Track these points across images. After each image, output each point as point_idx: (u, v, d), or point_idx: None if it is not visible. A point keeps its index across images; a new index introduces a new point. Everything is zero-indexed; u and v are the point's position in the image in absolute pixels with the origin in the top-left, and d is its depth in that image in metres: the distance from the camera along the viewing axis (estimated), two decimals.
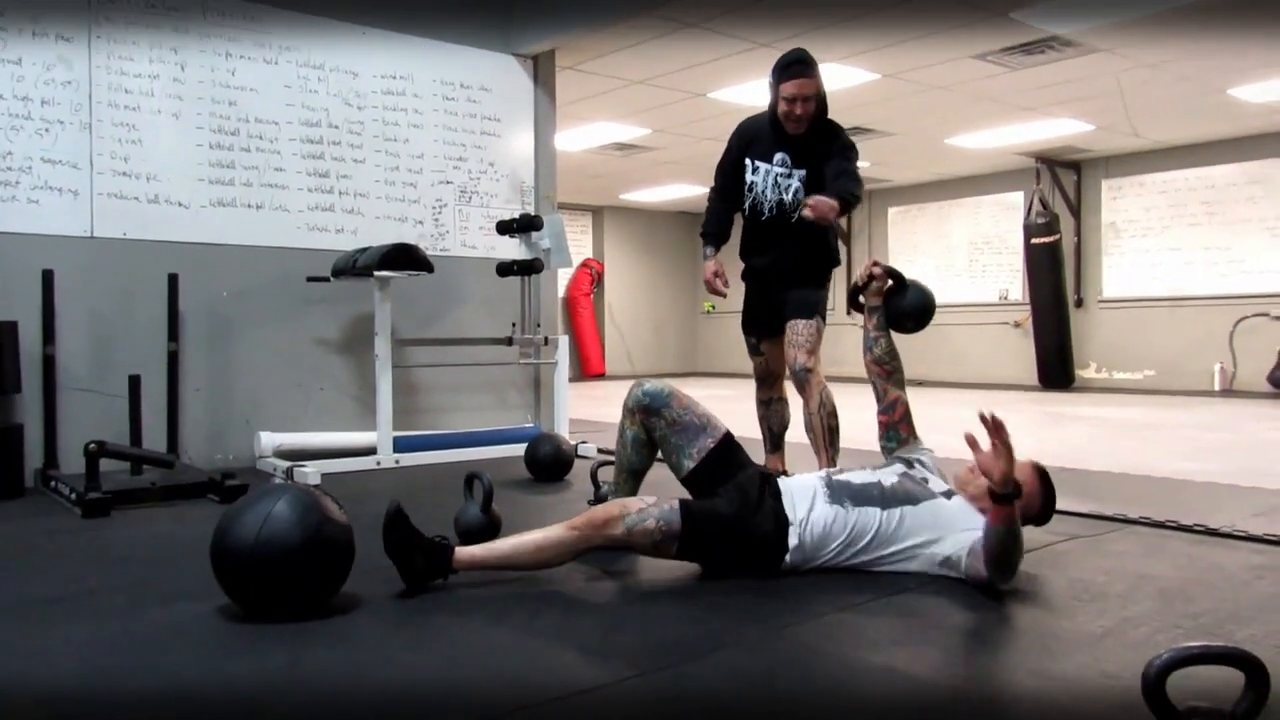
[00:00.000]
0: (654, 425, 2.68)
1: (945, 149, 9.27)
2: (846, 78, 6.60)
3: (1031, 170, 9.96)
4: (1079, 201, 10.10)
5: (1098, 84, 6.89)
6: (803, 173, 3.59)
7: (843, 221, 12.00)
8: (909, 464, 2.58)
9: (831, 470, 2.56)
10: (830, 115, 3.62)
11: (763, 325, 3.79)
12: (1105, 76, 6.67)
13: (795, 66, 3.45)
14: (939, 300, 2.98)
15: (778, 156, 3.59)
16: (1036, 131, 8.51)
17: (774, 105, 3.55)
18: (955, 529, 2.36)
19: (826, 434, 3.56)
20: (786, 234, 3.63)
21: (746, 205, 3.72)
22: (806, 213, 3.38)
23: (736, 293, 3.82)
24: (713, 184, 3.85)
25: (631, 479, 2.81)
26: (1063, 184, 10.02)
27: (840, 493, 2.42)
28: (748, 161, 3.67)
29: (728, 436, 2.67)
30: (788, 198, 3.61)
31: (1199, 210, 9.36)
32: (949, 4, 5.21)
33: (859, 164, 3.61)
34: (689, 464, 2.63)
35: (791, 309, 3.61)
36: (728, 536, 2.36)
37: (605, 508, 2.35)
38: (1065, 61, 6.28)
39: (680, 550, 2.34)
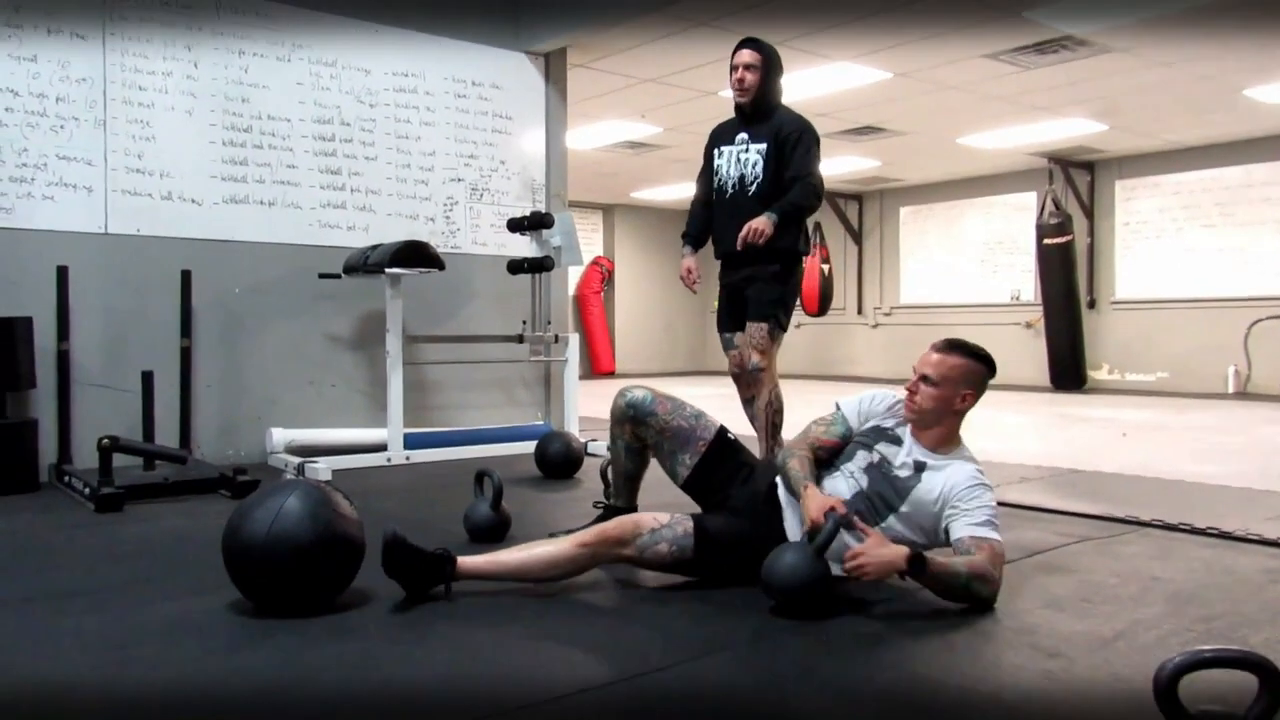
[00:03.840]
0: (644, 434, 2.62)
1: (957, 149, 9.23)
2: (858, 76, 6.57)
3: (1044, 170, 9.91)
4: (1092, 202, 10.05)
5: (1111, 84, 6.85)
6: (761, 146, 3.79)
7: (853, 220, 12.02)
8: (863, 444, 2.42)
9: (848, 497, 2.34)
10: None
11: (730, 323, 3.97)
12: (1119, 76, 6.64)
13: (741, 44, 3.83)
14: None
15: (739, 136, 3.86)
16: (1049, 131, 8.47)
17: (731, 86, 3.85)
18: (935, 508, 2.28)
19: (769, 427, 3.84)
20: (747, 209, 3.77)
21: (714, 191, 3.94)
22: (739, 245, 3.65)
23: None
24: (695, 193, 4.14)
25: (629, 483, 2.79)
26: (1076, 184, 9.96)
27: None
28: (715, 153, 3.94)
29: (720, 434, 2.59)
30: (747, 171, 3.81)
31: (1213, 211, 9.30)
32: (962, 3, 5.19)
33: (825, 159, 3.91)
34: (684, 471, 2.56)
35: (751, 310, 3.83)
36: (740, 557, 2.31)
37: (619, 525, 2.29)
38: (1078, 61, 6.24)
39: (691, 571, 2.32)
